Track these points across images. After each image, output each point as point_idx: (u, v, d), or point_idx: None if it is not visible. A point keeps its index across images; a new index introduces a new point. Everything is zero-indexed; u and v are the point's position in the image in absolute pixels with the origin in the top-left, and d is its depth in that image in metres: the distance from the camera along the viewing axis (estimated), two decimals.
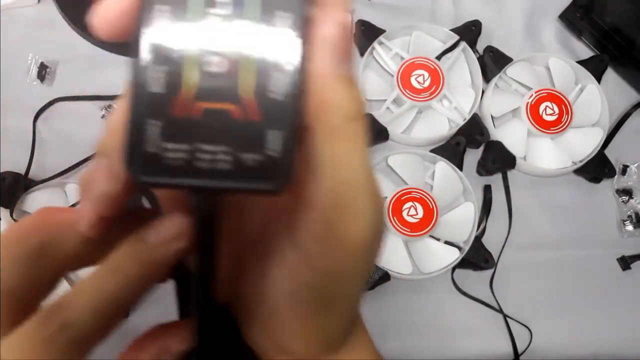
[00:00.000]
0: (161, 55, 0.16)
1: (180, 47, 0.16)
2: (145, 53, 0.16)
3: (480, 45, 0.63)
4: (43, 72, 0.62)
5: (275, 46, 0.16)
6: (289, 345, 0.20)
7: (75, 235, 0.19)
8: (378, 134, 0.59)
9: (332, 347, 0.21)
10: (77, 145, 0.60)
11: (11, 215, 0.55)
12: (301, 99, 0.16)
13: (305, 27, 0.16)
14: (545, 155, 0.60)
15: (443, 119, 0.61)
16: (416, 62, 0.60)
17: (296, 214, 0.18)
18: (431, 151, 0.60)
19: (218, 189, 0.16)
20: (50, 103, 0.62)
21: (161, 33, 0.16)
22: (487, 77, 0.62)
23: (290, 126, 0.16)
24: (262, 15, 0.16)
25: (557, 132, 0.59)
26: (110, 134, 0.17)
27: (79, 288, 0.18)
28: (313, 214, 0.17)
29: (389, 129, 0.59)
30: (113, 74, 0.63)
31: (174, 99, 0.16)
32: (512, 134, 0.60)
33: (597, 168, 0.60)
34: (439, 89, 0.59)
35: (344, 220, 0.17)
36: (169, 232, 0.18)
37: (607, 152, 0.61)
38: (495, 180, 0.61)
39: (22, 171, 0.58)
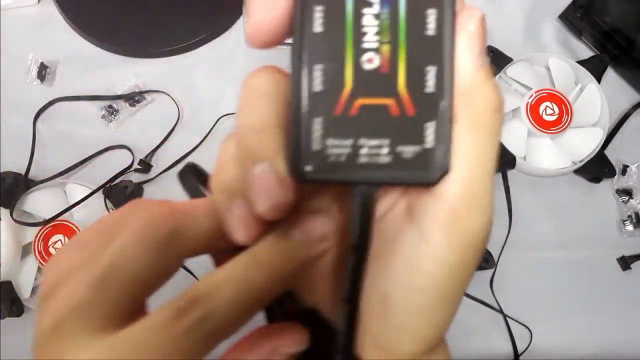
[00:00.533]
0: (321, 55, 0.17)
1: (339, 45, 0.17)
2: (306, 54, 0.17)
3: None
4: (43, 72, 0.62)
5: (426, 41, 0.17)
6: (394, 343, 0.20)
7: (202, 225, 0.19)
8: None
9: (434, 345, 0.21)
10: (77, 145, 0.60)
11: (11, 215, 0.55)
12: (452, 91, 0.17)
13: (451, 24, 0.17)
14: (545, 155, 0.60)
15: None
16: None
17: (423, 205, 0.18)
18: None
19: (379, 182, 0.17)
20: (51, 103, 0.62)
21: (320, 34, 0.17)
22: None
23: (444, 118, 0.17)
24: (411, 12, 0.17)
25: (557, 132, 0.59)
26: (258, 137, 0.18)
27: (219, 278, 0.17)
28: (443, 204, 0.17)
29: None
30: (113, 74, 0.63)
31: (335, 97, 0.17)
32: (512, 134, 0.60)
33: (597, 168, 0.60)
34: None
35: (472, 210, 0.17)
36: (316, 231, 0.18)
37: (607, 152, 0.61)
38: (496, 180, 0.61)
39: (22, 171, 0.58)
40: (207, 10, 0.64)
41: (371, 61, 0.17)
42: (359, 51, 0.17)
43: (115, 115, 0.62)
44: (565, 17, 0.66)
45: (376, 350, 0.21)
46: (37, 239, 0.55)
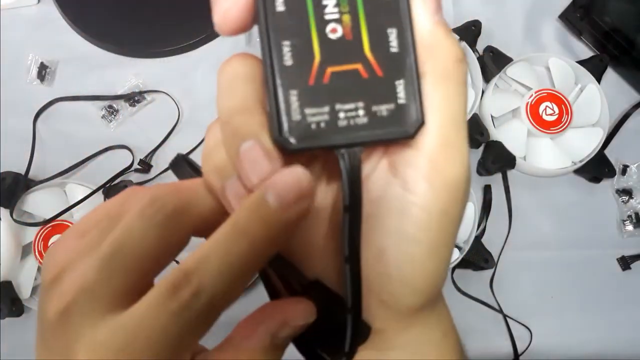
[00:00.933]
0: (288, 32, 0.18)
1: (303, 20, 0.18)
2: (273, 32, 0.18)
3: (480, 45, 0.63)
4: (43, 72, 0.62)
5: (383, 6, 0.18)
6: (395, 298, 0.21)
7: (206, 201, 0.20)
8: None
9: (431, 299, 0.22)
10: (77, 145, 0.60)
11: (11, 215, 0.55)
12: (414, 48, 0.18)
13: None
14: (545, 155, 0.60)
15: None
16: None
17: (404, 159, 0.19)
18: None
19: (361, 142, 0.18)
20: (50, 103, 0.62)
21: (284, 13, 0.18)
22: (487, 77, 0.62)
23: (411, 74, 0.18)
24: None
25: (557, 132, 0.59)
26: (241, 117, 0.19)
27: (205, 252, 0.18)
28: (421, 155, 0.19)
29: None
30: (113, 74, 0.63)
31: (307, 69, 0.18)
32: (512, 134, 0.60)
33: (597, 168, 0.60)
34: None
35: (449, 158, 0.19)
36: (292, 192, 0.18)
37: (607, 152, 0.61)
38: (495, 180, 0.61)
39: (22, 171, 0.58)
40: (207, 10, 0.63)
41: (335, 31, 0.18)
42: (322, 23, 0.18)
43: (115, 115, 0.62)
44: (565, 17, 0.66)
45: (380, 308, 0.21)
46: (37, 239, 0.55)
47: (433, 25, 0.19)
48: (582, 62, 0.63)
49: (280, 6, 0.18)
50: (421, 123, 0.18)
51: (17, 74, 0.62)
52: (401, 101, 0.18)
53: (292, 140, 0.18)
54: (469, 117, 0.60)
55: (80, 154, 0.60)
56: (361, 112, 0.18)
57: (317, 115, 0.18)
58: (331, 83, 0.18)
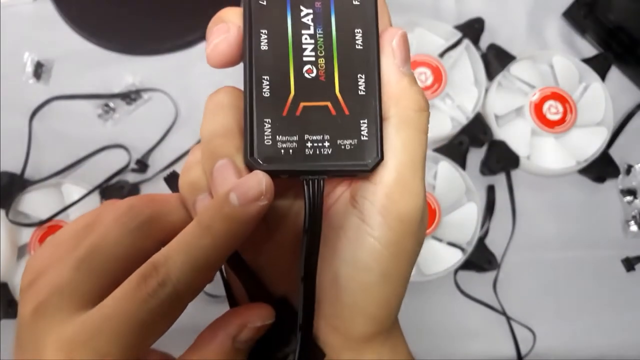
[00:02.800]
0: (268, 68, 0.20)
1: (283, 59, 0.20)
2: (255, 67, 0.20)
3: (484, 43, 0.63)
4: (39, 70, 0.61)
5: (356, 53, 0.21)
6: (347, 324, 0.23)
7: (178, 212, 0.22)
8: None
9: (384, 327, 0.23)
10: (74, 145, 0.59)
11: (7, 215, 0.54)
12: (379, 93, 0.21)
13: (375, 40, 0.21)
14: (549, 154, 0.59)
15: (446, 118, 0.60)
16: (418, 60, 0.59)
17: (363, 192, 0.21)
18: (434, 150, 0.59)
19: (323, 170, 0.20)
20: (47, 102, 0.61)
21: (267, 51, 0.20)
22: (490, 75, 0.61)
23: (374, 115, 0.20)
24: (341, 31, 0.21)
25: (561, 131, 0.58)
26: (220, 140, 0.21)
27: (172, 247, 0.20)
28: (379, 190, 0.21)
29: None
30: (109, 73, 0.62)
31: (282, 101, 0.20)
32: (516, 133, 0.59)
33: (601, 168, 0.59)
34: (442, 87, 0.59)
35: (404, 195, 0.21)
36: (253, 191, 0.19)
37: (611, 151, 0.60)
38: (499, 180, 0.60)
39: (18, 171, 0.57)
40: (204, 8, 0.63)
41: (311, 71, 0.20)
42: (300, 63, 0.20)
43: (111, 114, 0.61)
44: (569, 15, 0.65)
45: (333, 333, 0.23)
46: (33, 240, 0.54)
47: (399, 75, 0.21)
48: (586, 61, 0.62)
49: (264, 45, 0.20)
50: (380, 159, 0.20)
51: (13, 72, 0.62)
52: (364, 138, 0.20)
53: (261, 162, 0.20)
54: (472, 115, 0.59)
55: (76, 153, 0.59)
56: (327, 144, 0.20)
57: (287, 143, 0.20)
58: (302, 116, 0.20)
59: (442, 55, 0.61)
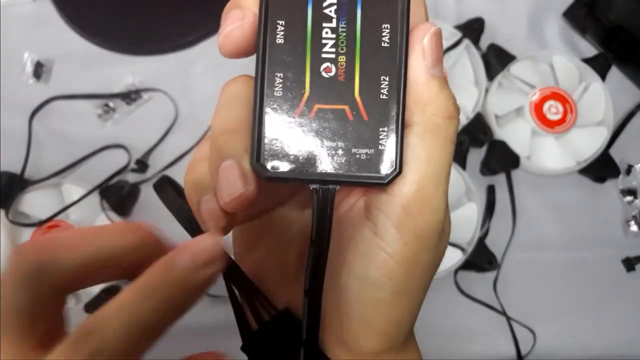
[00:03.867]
0: (283, 64, 0.18)
1: (299, 55, 0.19)
2: (269, 63, 0.18)
3: (484, 43, 0.63)
4: (39, 70, 0.61)
5: (381, 53, 0.19)
6: (357, 340, 0.21)
7: (73, 257, 0.19)
8: None
9: (395, 344, 0.21)
10: (73, 145, 0.59)
11: (7, 215, 0.54)
12: (404, 99, 0.19)
13: (405, 37, 0.19)
14: (550, 154, 0.59)
15: None
16: None
17: (378, 203, 0.20)
18: None
19: (334, 181, 0.19)
20: (46, 102, 0.61)
21: (282, 45, 0.19)
22: (490, 75, 0.61)
23: (396, 124, 0.19)
24: (367, 26, 0.19)
25: (561, 131, 0.58)
26: (228, 137, 0.19)
27: (109, 311, 0.18)
28: (396, 202, 0.19)
29: None
30: (109, 72, 0.62)
31: (295, 102, 0.18)
32: (516, 133, 0.59)
33: (601, 168, 0.59)
34: None
35: (424, 211, 0.19)
36: (202, 256, 0.18)
37: (611, 151, 0.60)
38: (499, 180, 0.60)
39: (18, 171, 0.57)
40: (205, 7, 0.63)
41: (329, 70, 0.19)
42: (318, 61, 0.19)
43: (111, 114, 0.61)
44: (569, 15, 0.65)
45: (341, 348, 0.21)
46: None
47: (428, 78, 0.19)
48: (586, 61, 0.62)
49: (280, 39, 0.19)
50: (397, 173, 0.19)
51: (13, 72, 0.62)
52: (382, 147, 0.18)
53: (269, 167, 0.18)
54: (472, 115, 0.59)
55: (76, 153, 0.59)
56: (340, 152, 0.18)
57: (297, 148, 0.18)
58: (316, 119, 0.18)
59: None
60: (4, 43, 0.63)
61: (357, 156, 0.18)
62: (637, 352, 0.56)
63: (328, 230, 0.19)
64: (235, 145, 0.19)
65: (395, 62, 0.19)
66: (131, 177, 0.59)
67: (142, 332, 0.18)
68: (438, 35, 0.19)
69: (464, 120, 0.59)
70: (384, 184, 0.19)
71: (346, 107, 0.19)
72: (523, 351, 0.55)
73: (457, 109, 0.19)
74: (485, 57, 0.61)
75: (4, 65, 0.62)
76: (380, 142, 0.19)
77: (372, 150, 0.18)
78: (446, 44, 0.61)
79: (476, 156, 0.60)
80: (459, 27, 0.62)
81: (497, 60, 0.60)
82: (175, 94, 0.62)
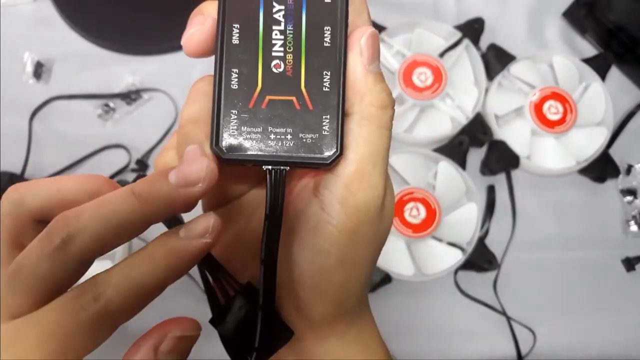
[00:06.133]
0: (238, 61, 0.21)
1: (252, 54, 0.21)
2: (225, 60, 0.21)
3: (484, 43, 0.63)
4: (39, 70, 0.61)
5: (323, 51, 0.21)
6: (309, 306, 0.24)
7: (43, 191, 0.23)
8: None
9: (345, 310, 0.24)
10: (73, 145, 0.59)
11: None
12: (343, 91, 0.22)
13: (343, 38, 0.22)
14: (550, 154, 0.59)
15: (446, 118, 0.60)
16: (418, 60, 0.59)
17: (325, 182, 0.23)
18: (434, 151, 0.59)
19: (284, 162, 0.21)
20: (47, 102, 0.61)
21: (237, 45, 0.21)
22: (490, 75, 0.61)
23: (336, 112, 0.21)
24: (311, 29, 0.22)
25: (561, 131, 0.58)
26: (193, 126, 0.22)
27: (113, 269, 0.21)
28: (339, 181, 0.22)
29: None
30: (110, 72, 0.62)
31: (249, 94, 0.21)
32: (516, 133, 0.59)
33: (601, 168, 0.59)
34: (442, 87, 0.59)
35: (363, 186, 0.22)
36: (198, 228, 0.21)
37: (611, 151, 0.60)
38: (499, 180, 0.60)
39: (18, 171, 0.57)
40: None
41: (279, 66, 0.21)
42: (269, 58, 0.21)
43: (111, 114, 0.61)
44: (569, 15, 0.65)
45: (296, 314, 0.24)
46: None
47: (364, 73, 0.22)
48: (586, 61, 0.62)
49: (235, 39, 0.21)
50: (339, 154, 0.21)
51: (13, 72, 0.62)
52: (325, 133, 0.21)
53: (226, 150, 0.21)
54: (472, 115, 0.59)
55: (76, 153, 0.59)
56: (289, 137, 0.21)
57: (251, 134, 0.21)
58: (268, 109, 0.21)
59: (442, 55, 0.61)
60: (4, 43, 0.63)
61: (304, 140, 0.21)
62: (637, 352, 0.56)
63: (281, 204, 0.22)
64: (199, 132, 0.22)
65: (335, 59, 0.21)
66: (131, 177, 0.59)
67: (137, 288, 0.20)
68: (374, 36, 0.22)
69: (464, 120, 0.59)
70: (327, 164, 0.21)
71: (294, 98, 0.21)
72: (523, 351, 0.55)
73: (392, 100, 0.22)
74: (485, 57, 0.61)
75: (4, 65, 0.62)
76: (323, 128, 0.21)
77: (317, 135, 0.21)
78: (446, 44, 0.61)
79: (476, 156, 0.60)
80: (459, 27, 0.62)
81: (497, 60, 0.60)
82: (175, 94, 0.62)
